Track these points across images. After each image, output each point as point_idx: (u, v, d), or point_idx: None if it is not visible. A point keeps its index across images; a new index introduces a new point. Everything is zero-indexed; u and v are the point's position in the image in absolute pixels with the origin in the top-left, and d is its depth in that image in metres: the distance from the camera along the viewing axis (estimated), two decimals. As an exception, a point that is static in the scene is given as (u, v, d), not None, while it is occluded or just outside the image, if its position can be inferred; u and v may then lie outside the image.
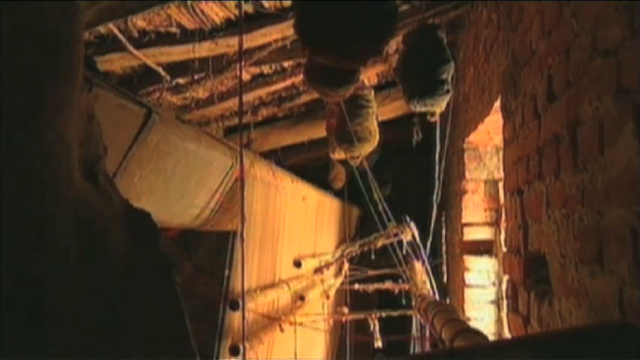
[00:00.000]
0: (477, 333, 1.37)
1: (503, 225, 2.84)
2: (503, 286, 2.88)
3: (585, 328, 0.77)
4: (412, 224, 2.66)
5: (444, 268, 4.48)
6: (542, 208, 1.35)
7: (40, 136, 0.67)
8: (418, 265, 3.01)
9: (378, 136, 2.73)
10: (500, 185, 3.07)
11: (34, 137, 0.66)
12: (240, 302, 1.66)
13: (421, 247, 2.73)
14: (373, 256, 3.87)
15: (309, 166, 4.97)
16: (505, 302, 2.28)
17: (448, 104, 3.07)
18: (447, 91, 2.09)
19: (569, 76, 1.14)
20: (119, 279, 0.78)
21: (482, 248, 3.18)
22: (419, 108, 2.12)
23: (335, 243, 4.12)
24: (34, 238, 0.59)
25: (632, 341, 0.64)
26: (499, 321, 2.95)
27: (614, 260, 0.88)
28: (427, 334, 2.52)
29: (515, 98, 1.71)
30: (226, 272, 1.74)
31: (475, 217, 3.21)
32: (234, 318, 1.72)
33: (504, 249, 1.96)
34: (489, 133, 2.88)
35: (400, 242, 3.04)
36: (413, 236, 2.69)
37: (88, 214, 0.71)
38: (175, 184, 1.37)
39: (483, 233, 3.16)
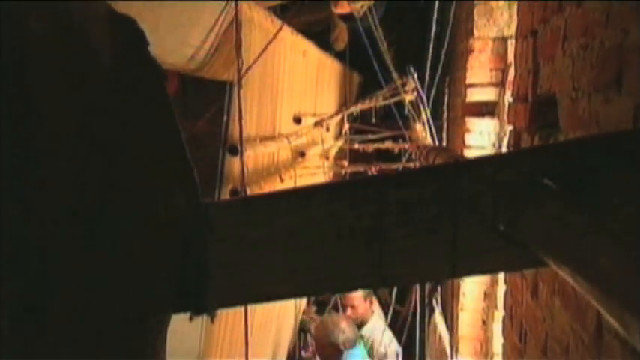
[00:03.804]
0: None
1: (509, 84, 2.76)
2: (504, 146, 2.88)
3: (597, 136, 0.74)
4: (415, 76, 2.57)
5: (444, 135, 4.47)
6: (557, 45, 1.28)
7: None
8: (419, 126, 2.98)
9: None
10: (510, 43, 2.94)
11: None
12: (239, 148, 1.64)
13: (424, 97, 2.67)
14: (374, 120, 3.84)
15: (309, 30, 4.74)
16: (505, 154, 2.28)
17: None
18: None
19: None
20: (105, 86, 0.73)
21: (485, 110, 3.13)
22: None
23: (335, 107, 4.06)
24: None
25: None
26: (496, 181, 2.99)
27: (634, 79, 0.83)
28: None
29: None
30: (224, 118, 1.70)
31: (480, 78, 3.11)
32: (234, 164, 1.72)
33: (510, 99, 1.91)
34: (503, -18, 2.68)
35: (402, 102, 2.98)
36: (415, 88, 2.62)
37: (65, 10, 0.65)
38: (165, 16, 1.27)
39: (487, 94, 3.09)
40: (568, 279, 0.52)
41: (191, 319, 0.87)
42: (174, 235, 0.81)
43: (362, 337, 2.96)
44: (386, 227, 0.73)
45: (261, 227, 0.77)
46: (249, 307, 1.69)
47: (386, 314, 3.25)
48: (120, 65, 0.76)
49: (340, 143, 3.61)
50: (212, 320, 1.58)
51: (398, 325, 3.25)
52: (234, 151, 1.67)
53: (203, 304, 0.80)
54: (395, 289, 3.36)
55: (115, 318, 0.76)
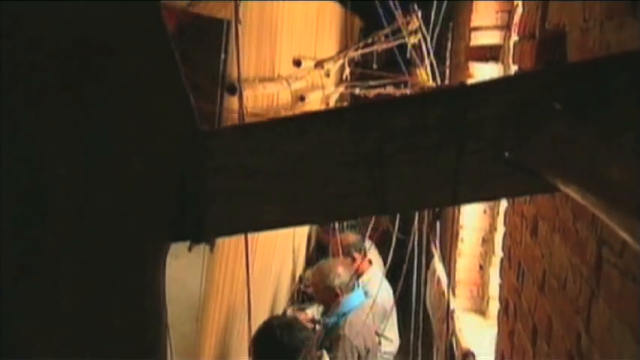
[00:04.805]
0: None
1: (515, 26, 2.69)
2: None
3: (605, 57, 0.70)
4: (419, 13, 2.50)
5: (447, 81, 4.40)
6: (568, -25, 1.22)
7: None
8: (421, 71, 2.92)
9: None
10: (517, -17, 2.84)
11: None
12: (238, 87, 1.60)
13: (427, 38, 2.61)
14: (375, 66, 3.76)
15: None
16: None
17: None
18: None
19: None
20: (99, 11, 0.70)
21: (489, 55, 3.06)
22: None
23: (336, 52, 3.96)
24: None
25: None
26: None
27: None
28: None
29: None
30: (222, 57, 1.66)
31: (485, 20, 3.03)
32: (233, 104, 1.69)
33: (516, 38, 1.86)
34: None
35: (404, 46, 2.91)
36: (419, 28, 2.55)
37: None
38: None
39: (492, 38, 3.02)
40: (576, 197, 0.51)
41: (190, 248, 0.87)
42: (173, 163, 0.80)
43: (358, 286, 2.99)
44: (387, 153, 0.72)
45: (261, 155, 0.76)
46: (249, 249, 1.70)
47: (389, 245, 3.26)
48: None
49: (341, 89, 3.56)
50: (211, 250, 1.59)
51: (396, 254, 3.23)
52: (233, 90, 1.63)
53: (202, 233, 0.80)
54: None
55: (112, 245, 0.75)
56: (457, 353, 2.13)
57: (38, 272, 0.71)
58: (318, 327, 2.95)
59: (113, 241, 0.76)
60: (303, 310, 3.30)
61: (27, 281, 0.71)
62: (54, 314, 0.71)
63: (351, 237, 3.51)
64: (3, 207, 0.67)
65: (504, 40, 2.96)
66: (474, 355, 2.00)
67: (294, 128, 0.75)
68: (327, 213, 0.75)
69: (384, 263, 3.29)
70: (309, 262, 4.11)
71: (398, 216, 3.21)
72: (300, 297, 3.54)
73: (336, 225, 3.80)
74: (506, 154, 0.69)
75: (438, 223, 2.65)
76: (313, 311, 3.24)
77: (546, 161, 0.59)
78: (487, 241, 3.09)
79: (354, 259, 3.32)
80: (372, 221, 3.75)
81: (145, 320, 0.77)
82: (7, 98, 0.67)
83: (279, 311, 3.16)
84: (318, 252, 4.17)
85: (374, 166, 0.72)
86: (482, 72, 3.04)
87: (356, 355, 2.69)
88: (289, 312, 3.21)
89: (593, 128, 0.53)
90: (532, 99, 0.66)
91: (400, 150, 0.71)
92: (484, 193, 0.72)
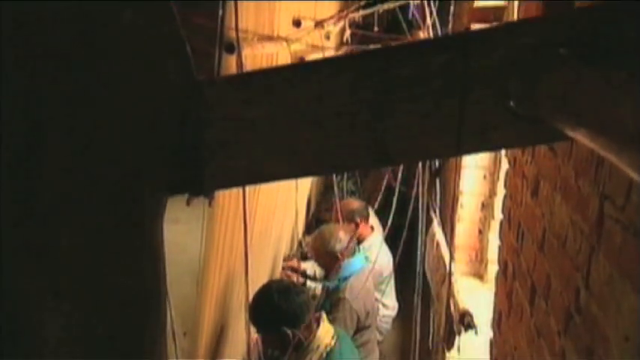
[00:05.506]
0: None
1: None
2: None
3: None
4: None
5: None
6: None
7: None
8: (424, 33, 2.87)
9: None
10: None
11: None
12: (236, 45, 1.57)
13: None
14: (377, 28, 3.70)
15: None
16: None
17: None
18: None
19: None
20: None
21: (493, 17, 2.99)
22: None
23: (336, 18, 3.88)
24: None
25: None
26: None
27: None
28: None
29: None
30: (219, 13, 1.62)
31: (490, -19, 2.96)
32: (231, 63, 1.65)
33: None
34: None
35: (407, 9, 2.85)
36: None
37: None
38: None
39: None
40: (584, 141, 0.50)
41: (188, 202, 0.87)
42: (171, 115, 0.78)
43: (359, 251, 3.00)
44: (389, 102, 0.70)
45: (260, 105, 0.74)
46: (248, 213, 1.69)
47: (390, 199, 3.25)
48: None
49: (342, 52, 3.50)
50: (210, 204, 1.59)
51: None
52: (231, 48, 1.60)
53: (200, 186, 0.79)
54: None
55: (111, 198, 0.75)
56: (455, 314, 2.16)
57: (36, 225, 0.71)
58: (309, 283, 2.98)
59: (112, 194, 0.75)
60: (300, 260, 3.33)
61: (24, 235, 0.70)
62: (52, 263, 0.71)
63: (355, 203, 3.51)
64: (3, 156, 0.67)
65: (509, 1, 2.89)
66: (471, 315, 2.02)
67: (294, 77, 0.73)
68: (327, 165, 0.74)
69: (384, 227, 3.29)
70: (309, 227, 4.12)
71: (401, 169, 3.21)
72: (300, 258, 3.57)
73: (336, 191, 3.80)
74: (511, 102, 0.67)
75: (437, 184, 2.63)
76: (308, 266, 3.27)
77: (553, 107, 0.58)
78: (486, 206, 3.09)
79: (357, 225, 3.32)
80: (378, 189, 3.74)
81: (144, 272, 0.77)
82: (7, 43, 0.66)
83: (279, 275, 3.19)
84: (318, 221, 4.18)
85: (375, 115, 0.70)
86: (486, 35, 2.99)
87: (355, 317, 2.72)
88: (283, 264, 3.24)
89: (599, 72, 0.52)
90: (537, 45, 0.64)
91: (402, 99, 0.70)
92: (488, 143, 0.71)
